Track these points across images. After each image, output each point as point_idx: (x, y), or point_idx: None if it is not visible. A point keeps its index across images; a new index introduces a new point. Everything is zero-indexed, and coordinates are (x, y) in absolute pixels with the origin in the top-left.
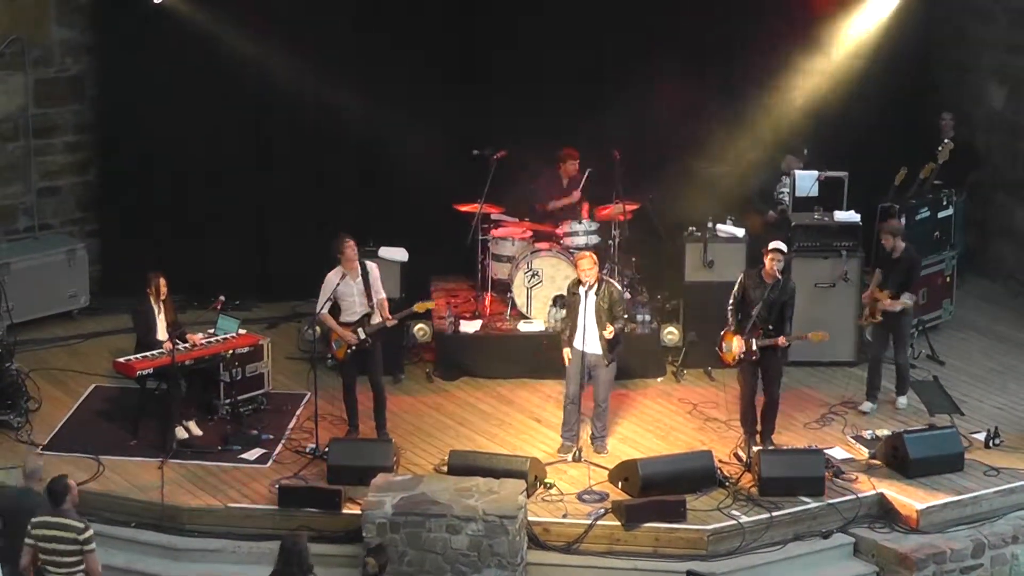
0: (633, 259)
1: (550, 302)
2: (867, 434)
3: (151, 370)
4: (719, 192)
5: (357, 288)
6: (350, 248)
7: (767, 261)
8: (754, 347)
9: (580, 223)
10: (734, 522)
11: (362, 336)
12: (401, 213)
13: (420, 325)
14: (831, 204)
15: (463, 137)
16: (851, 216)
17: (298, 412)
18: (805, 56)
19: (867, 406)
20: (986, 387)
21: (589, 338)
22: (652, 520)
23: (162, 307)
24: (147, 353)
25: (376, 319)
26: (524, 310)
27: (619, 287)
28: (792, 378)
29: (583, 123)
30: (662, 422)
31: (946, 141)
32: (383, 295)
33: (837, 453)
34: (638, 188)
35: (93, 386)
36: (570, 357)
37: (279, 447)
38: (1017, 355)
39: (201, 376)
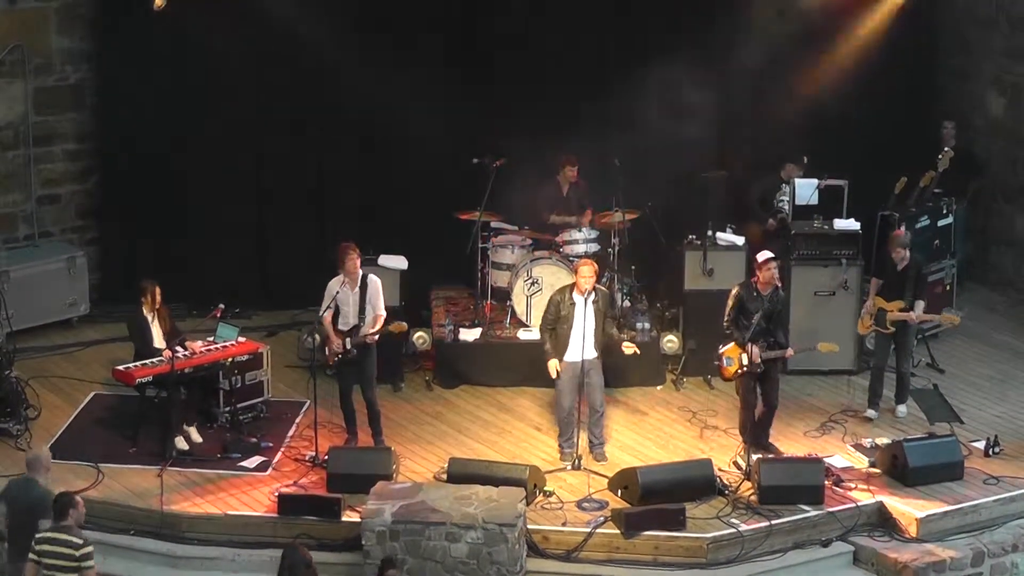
0: (633, 267)
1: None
2: (867, 443)
3: (150, 378)
4: (719, 200)
5: (353, 298)
6: (351, 261)
7: (765, 272)
8: (758, 360)
9: (580, 231)
10: (733, 530)
11: (347, 346)
12: (401, 221)
13: (420, 333)
14: (831, 212)
15: (463, 145)
16: (851, 224)
17: (297, 420)
18: (806, 64)
19: (871, 413)
20: (986, 395)
21: (588, 345)
22: (652, 528)
23: (156, 316)
24: (146, 361)
25: (363, 331)
26: (524, 318)
27: (604, 288)
28: (792, 386)
29: (583, 131)
30: (662, 430)
31: (946, 149)
32: (382, 312)
33: (837, 461)
34: (638, 196)
35: (92, 394)
36: (558, 369)
37: (278, 455)
38: (1017, 363)
39: (200, 384)
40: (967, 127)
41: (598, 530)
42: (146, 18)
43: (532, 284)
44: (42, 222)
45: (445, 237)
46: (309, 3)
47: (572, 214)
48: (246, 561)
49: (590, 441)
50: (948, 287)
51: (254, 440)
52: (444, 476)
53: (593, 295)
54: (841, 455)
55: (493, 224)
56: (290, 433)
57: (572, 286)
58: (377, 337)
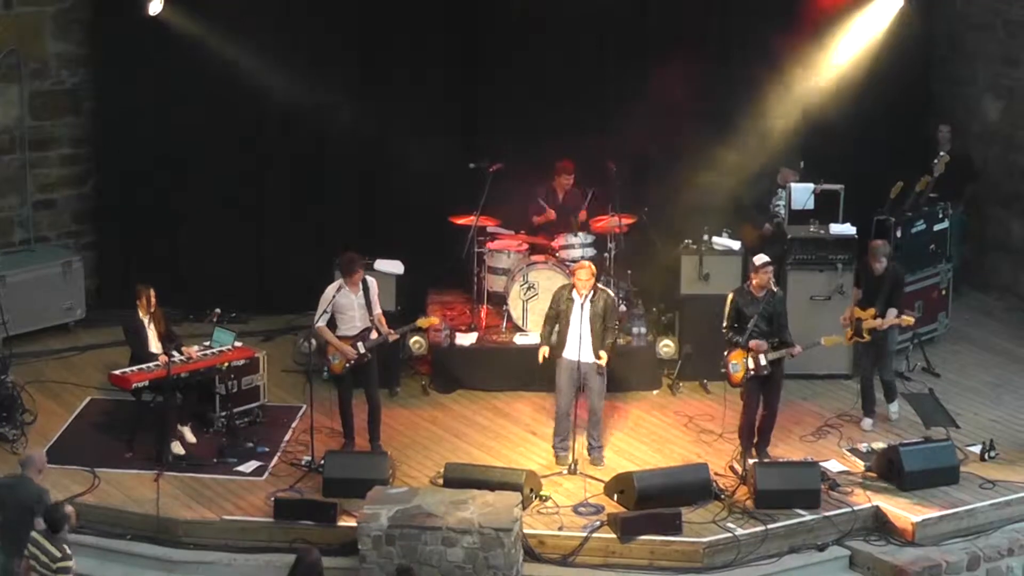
0: (629, 272)
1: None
2: (863, 447)
3: (147, 382)
4: (715, 205)
5: (358, 302)
6: (360, 273)
7: (761, 276)
8: (763, 362)
9: (576, 236)
10: (730, 535)
11: (361, 350)
12: (397, 226)
13: (416, 338)
14: (827, 217)
15: (459, 149)
16: (847, 229)
17: (294, 425)
18: (802, 69)
19: (867, 423)
20: (982, 400)
21: (584, 347)
22: (648, 533)
23: (151, 319)
24: (143, 365)
25: (375, 334)
26: (520, 323)
27: (613, 295)
28: (788, 391)
29: (579, 136)
30: (658, 435)
31: (942, 154)
32: (379, 310)
33: (833, 466)
34: (634, 201)
35: (89, 398)
36: (545, 355)
37: (275, 460)
38: (1013, 368)
39: (197, 388)
40: (963, 132)
41: (594, 535)
42: (142, 23)
43: (528, 289)
44: (38, 227)
45: (441, 242)
46: (306, 8)
47: (566, 219)
48: (242, 566)
49: (588, 444)
50: (944, 292)
51: (250, 445)
52: (440, 481)
53: (592, 295)
54: (837, 459)
55: (489, 229)
56: (286, 438)
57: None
58: (399, 336)
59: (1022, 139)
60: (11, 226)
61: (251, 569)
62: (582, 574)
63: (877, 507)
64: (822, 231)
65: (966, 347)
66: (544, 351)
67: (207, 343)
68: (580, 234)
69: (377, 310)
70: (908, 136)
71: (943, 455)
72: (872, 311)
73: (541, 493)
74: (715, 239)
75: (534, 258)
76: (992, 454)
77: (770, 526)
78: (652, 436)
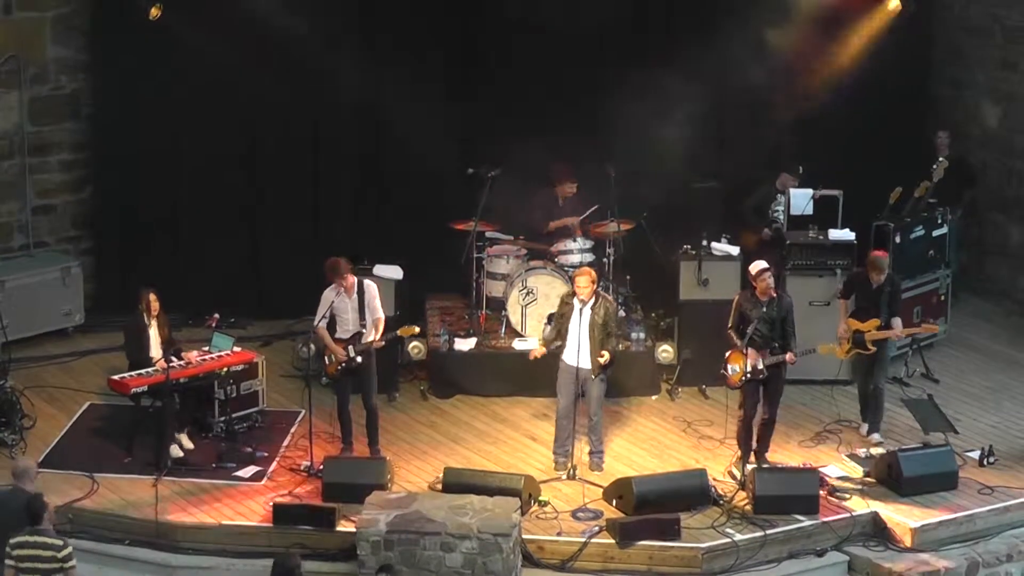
0: (628, 277)
1: (544, 320)
2: (861, 452)
3: (145, 387)
4: (714, 210)
5: (352, 305)
6: (348, 277)
7: (760, 283)
8: (760, 366)
9: (575, 241)
10: (728, 540)
11: (351, 354)
12: (396, 231)
13: (415, 343)
14: (826, 222)
15: (458, 155)
16: (846, 234)
17: (292, 430)
18: (801, 74)
19: (876, 437)
20: (980, 405)
21: (583, 353)
22: (646, 538)
23: (155, 323)
24: (142, 371)
25: (368, 338)
26: (519, 328)
27: (614, 303)
28: (786, 396)
29: (578, 141)
30: (656, 440)
31: (941, 160)
32: (380, 315)
33: (831, 471)
34: (633, 206)
35: (87, 403)
36: (536, 355)
37: (273, 465)
38: (1011, 373)
39: (195, 393)
40: (962, 137)
41: (593, 540)
42: (141, 28)
43: (527, 294)
44: (37, 232)
45: (440, 247)
46: (305, 14)
47: (570, 217)
48: (241, 571)
49: (589, 448)
50: (942, 297)
51: (249, 450)
52: (439, 486)
53: (593, 302)
54: (836, 465)
55: (488, 234)
56: (285, 443)
57: None
58: (384, 342)
59: (1020, 144)
60: (10, 231)
61: (250, 574)
62: None
63: (876, 513)
64: (821, 236)
65: (965, 352)
66: (536, 351)
67: (206, 348)
68: (579, 239)
69: (377, 314)
70: (907, 141)
71: (942, 461)
72: (875, 322)
73: (540, 498)
74: (714, 244)
75: (533, 263)
76: (991, 460)
77: (769, 532)
78: (651, 441)
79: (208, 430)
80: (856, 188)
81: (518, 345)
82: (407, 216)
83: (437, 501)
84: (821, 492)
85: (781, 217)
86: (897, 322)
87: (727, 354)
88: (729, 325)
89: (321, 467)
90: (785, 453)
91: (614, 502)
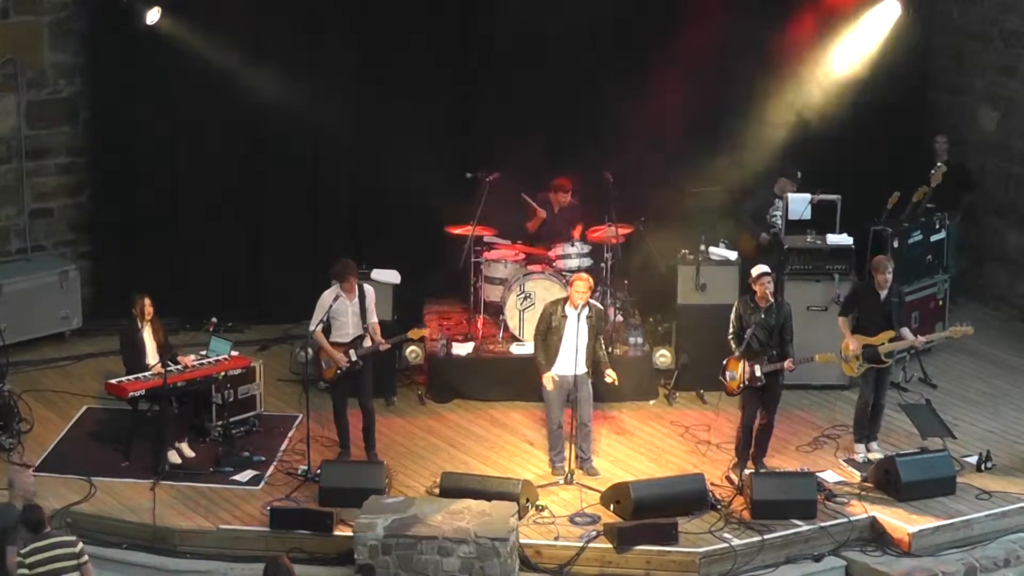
0: (625, 282)
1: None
2: (859, 457)
3: (143, 392)
4: (712, 215)
5: (352, 309)
6: (354, 282)
7: (758, 288)
8: (758, 373)
9: (572, 245)
10: (726, 545)
11: (353, 358)
12: (394, 235)
13: (412, 347)
14: (824, 227)
15: (456, 159)
16: (844, 239)
17: (290, 434)
18: (799, 79)
19: (875, 446)
20: (978, 410)
21: (579, 360)
22: (644, 543)
23: (149, 328)
24: (139, 375)
25: (368, 342)
26: (516, 332)
27: (599, 305)
28: (784, 401)
29: (576, 146)
30: (654, 445)
31: (939, 165)
32: (375, 319)
33: (829, 476)
34: (631, 211)
35: (85, 407)
36: (555, 380)
37: (271, 469)
38: (1009, 379)
39: (193, 398)
40: (960, 142)
41: (590, 544)
42: (139, 32)
43: (525, 299)
44: (35, 236)
45: (438, 252)
46: (304, 20)
47: (558, 232)
48: (238, 575)
49: (578, 456)
50: (941, 302)
51: (247, 454)
52: (436, 490)
53: (587, 310)
54: (833, 470)
55: (486, 238)
56: (282, 447)
57: (566, 299)
58: (390, 345)
59: (1018, 149)
60: (8, 235)
61: None
62: None
63: (873, 517)
64: (819, 241)
65: (963, 357)
66: (549, 377)
67: (203, 352)
68: (577, 244)
69: (373, 319)
70: (905, 146)
71: (940, 466)
72: (888, 333)
73: (537, 503)
74: (712, 249)
75: (531, 268)
76: (989, 465)
77: (766, 536)
78: (648, 446)
79: (205, 434)
80: (854, 193)
81: (516, 350)
82: (405, 220)
83: (434, 505)
84: (819, 497)
85: (779, 222)
86: (906, 331)
87: (725, 361)
88: (729, 331)
89: (318, 471)
90: (783, 458)
91: (612, 507)
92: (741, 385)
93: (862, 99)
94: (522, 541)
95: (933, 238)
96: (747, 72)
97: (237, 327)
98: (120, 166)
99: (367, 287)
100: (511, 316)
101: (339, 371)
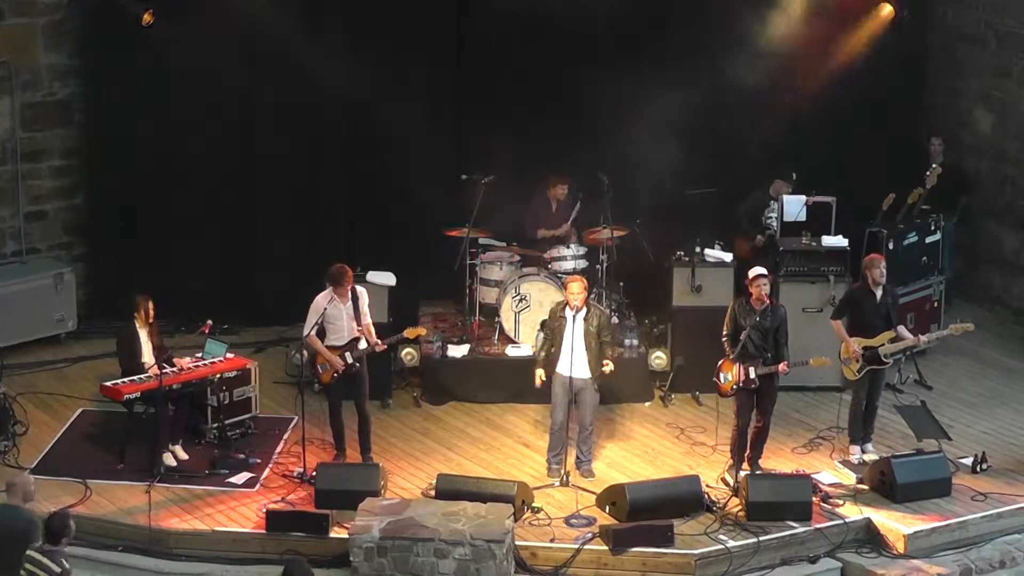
0: (621, 283)
1: (538, 327)
2: (854, 459)
3: (138, 394)
4: (707, 217)
5: (347, 312)
6: (348, 285)
7: (754, 289)
8: (752, 375)
9: (568, 247)
10: (721, 547)
11: (349, 360)
12: (389, 237)
13: (408, 349)
14: (819, 229)
15: (452, 161)
16: (839, 241)
17: (286, 436)
18: (794, 81)
19: (870, 447)
20: (973, 412)
21: (577, 362)
22: (640, 545)
23: (148, 331)
24: (134, 377)
25: (363, 344)
26: (512, 335)
27: (607, 311)
28: (779, 403)
29: (572, 147)
30: (650, 447)
31: (934, 166)
32: (369, 320)
33: (824, 478)
34: (626, 212)
35: (80, 410)
36: (543, 378)
37: (267, 471)
38: (1004, 380)
39: (189, 400)
40: (955, 144)
41: (586, 546)
42: (133, 34)
43: (520, 301)
44: (29, 238)
45: (433, 254)
46: (298, 21)
47: (561, 226)
48: None
49: (577, 457)
50: (936, 304)
51: (242, 456)
52: (432, 492)
53: (585, 312)
54: (829, 471)
55: (481, 241)
56: (278, 449)
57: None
58: (386, 346)
59: (1014, 151)
60: (2, 238)
61: None
62: None
63: (869, 519)
64: (814, 243)
65: (958, 359)
66: (540, 374)
67: (199, 354)
68: (572, 246)
69: (367, 320)
70: (900, 148)
71: (935, 467)
72: (888, 334)
73: (533, 505)
74: (707, 251)
75: (526, 270)
76: (984, 466)
77: (762, 538)
78: (644, 448)
79: (201, 436)
80: (850, 195)
81: (511, 352)
82: (400, 222)
83: (430, 508)
84: (814, 499)
85: (774, 224)
86: (904, 331)
87: (720, 362)
88: (724, 332)
89: (314, 473)
90: (778, 460)
91: (607, 509)
92: (735, 387)
93: (858, 101)
94: (518, 543)
95: (928, 240)
96: (744, 73)
97: (233, 329)
98: (115, 168)
99: (359, 288)
100: (506, 318)
101: (336, 375)
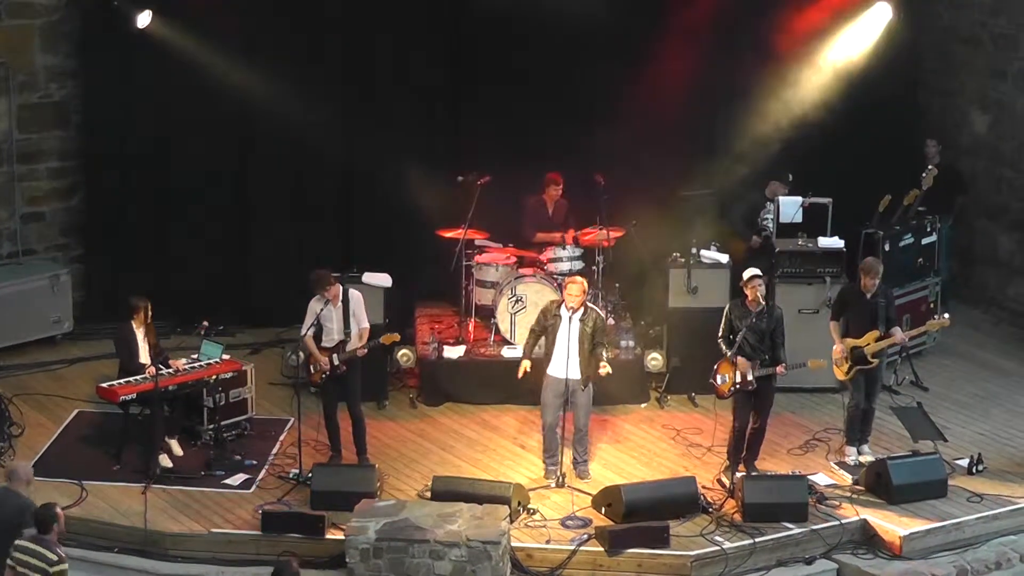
0: (617, 285)
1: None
2: (850, 460)
3: (134, 395)
4: (703, 218)
5: (337, 315)
6: (333, 288)
7: (749, 291)
8: (750, 377)
9: (564, 248)
10: (717, 548)
11: (336, 362)
12: (385, 239)
13: (404, 351)
14: (815, 230)
15: (447, 163)
16: (835, 242)
17: (281, 438)
18: (790, 82)
19: (866, 449)
20: (969, 413)
21: (571, 364)
22: (635, 546)
23: (145, 332)
24: (130, 378)
25: (351, 345)
26: (508, 336)
27: (602, 313)
28: (776, 404)
29: (568, 149)
30: (645, 448)
31: (930, 168)
32: (366, 324)
33: (820, 479)
34: (622, 214)
35: (76, 411)
36: (526, 370)
37: (262, 472)
38: (1000, 382)
39: (184, 401)
40: (951, 145)
41: (582, 548)
42: (130, 36)
43: (516, 302)
44: (26, 240)
45: (429, 255)
46: (293, 23)
47: (558, 232)
48: None
49: (574, 458)
50: (932, 305)
51: (238, 457)
52: (428, 494)
53: (581, 313)
54: (825, 473)
55: (477, 242)
56: (274, 451)
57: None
58: (366, 351)
59: (1009, 152)
60: None
61: None
62: None
63: (865, 520)
64: (810, 244)
65: (954, 360)
66: (525, 365)
67: (195, 356)
68: (568, 247)
69: (363, 324)
70: (896, 149)
71: (931, 468)
72: (874, 334)
73: (529, 506)
74: (703, 252)
75: (522, 271)
76: (980, 467)
77: (758, 539)
78: (640, 449)
79: (197, 438)
80: (846, 196)
81: (507, 353)
82: (396, 224)
83: (426, 509)
84: (810, 500)
85: (771, 225)
86: (896, 330)
87: (716, 364)
88: (719, 334)
89: (310, 475)
90: (774, 461)
91: (603, 510)
92: (731, 388)
93: (853, 102)
94: (513, 544)
95: (924, 241)
96: (738, 75)
97: (228, 331)
98: (111, 170)
99: (353, 292)
100: (502, 319)
101: (324, 375)
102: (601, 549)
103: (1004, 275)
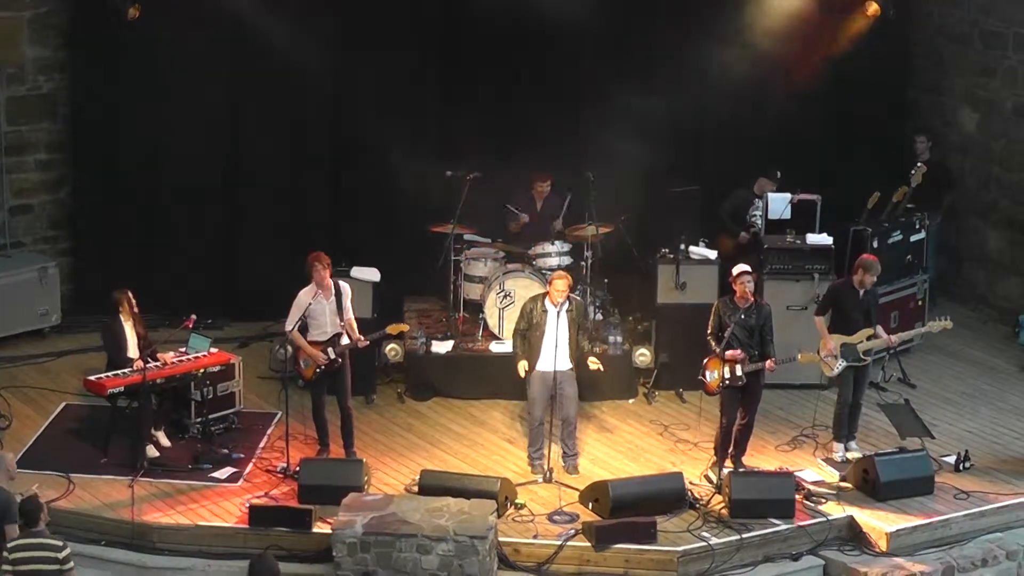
0: (605, 280)
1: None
2: (838, 456)
3: (122, 388)
4: (692, 214)
5: (330, 307)
6: (319, 272)
7: (738, 287)
8: (739, 372)
9: (552, 244)
10: (704, 544)
11: (332, 356)
12: (374, 233)
13: (392, 345)
14: (803, 227)
15: (437, 158)
16: (823, 239)
17: (269, 431)
18: (780, 79)
19: (853, 445)
20: (957, 411)
21: (560, 354)
22: (622, 541)
23: (132, 323)
24: (118, 371)
25: (346, 339)
26: (496, 331)
27: (578, 298)
28: (763, 400)
29: (557, 144)
30: (633, 443)
31: (919, 165)
32: (352, 315)
33: (807, 475)
34: (611, 209)
35: (64, 404)
36: (527, 370)
37: (250, 466)
38: (988, 379)
39: (172, 395)
40: (940, 143)
41: (569, 543)
42: (119, 28)
43: (504, 297)
44: (14, 232)
45: (418, 250)
46: (285, 16)
47: (544, 228)
48: (216, 572)
49: (563, 452)
50: (920, 302)
51: (225, 451)
52: (416, 488)
53: (567, 304)
54: (812, 469)
55: (466, 237)
56: (261, 444)
57: (545, 294)
58: (368, 342)
59: (998, 150)
60: None
61: (225, 575)
62: None
63: (851, 517)
64: (799, 241)
65: (942, 358)
66: (524, 365)
67: (183, 349)
68: (557, 242)
69: (349, 315)
70: (885, 146)
71: (918, 465)
72: (867, 331)
73: (516, 501)
74: (692, 248)
75: (511, 266)
76: (967, 465)
77: (744, 535)
78: (627, 445)
79: (185, 431)
80: (834, 193)
81: (495, 348)
82: (385, 218)
83: (413, 503)
84: (797, 496)
85: (759, 222)
86: (880, 330)
87: (705, 360)
88: (708, 330)
89: (297, 469)
90: (762, 457)
91: (590, 505)
92: (721, 384)
93: (843, 99)
94: (501, 539)
95: (913, 238)
96: (729, 71)
97: (216, 324)
98: (100, 162)
99: (343, 284)
100: (491, 314)
101: (319, 370)
102: (588, 544)
103: (992, 272)
